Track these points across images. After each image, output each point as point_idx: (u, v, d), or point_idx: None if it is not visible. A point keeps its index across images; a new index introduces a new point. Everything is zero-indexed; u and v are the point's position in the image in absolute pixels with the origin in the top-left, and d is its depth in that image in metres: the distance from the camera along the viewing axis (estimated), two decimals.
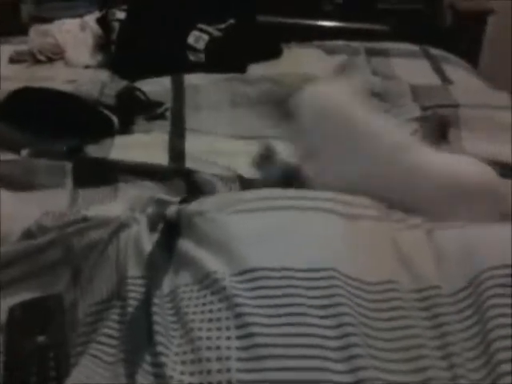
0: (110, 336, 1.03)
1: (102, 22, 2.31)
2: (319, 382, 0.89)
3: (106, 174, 1.49)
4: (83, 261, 1.12)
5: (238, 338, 0.93)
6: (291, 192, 1.19)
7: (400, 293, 1.01)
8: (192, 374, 0.92)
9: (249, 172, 1.43)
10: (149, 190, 1.43)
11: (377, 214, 1.14)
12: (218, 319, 0.96)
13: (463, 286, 1.01)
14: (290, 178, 1.29)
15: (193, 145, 1.67)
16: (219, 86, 1.96)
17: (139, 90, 1.90)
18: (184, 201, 1.21)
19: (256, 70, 2.11)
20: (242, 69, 2.10)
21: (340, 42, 2.44)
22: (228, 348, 0.92)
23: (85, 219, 1.18)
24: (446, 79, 2.15)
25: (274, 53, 2.27)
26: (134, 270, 1.07)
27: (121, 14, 2.29)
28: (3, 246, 1.15)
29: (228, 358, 0.91)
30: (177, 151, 1.64)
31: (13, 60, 2.26)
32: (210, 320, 0.96)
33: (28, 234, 1.17)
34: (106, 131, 1.72)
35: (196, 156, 1.60)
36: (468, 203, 1.17)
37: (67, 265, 1.12)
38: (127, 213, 1.21)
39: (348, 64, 2.21)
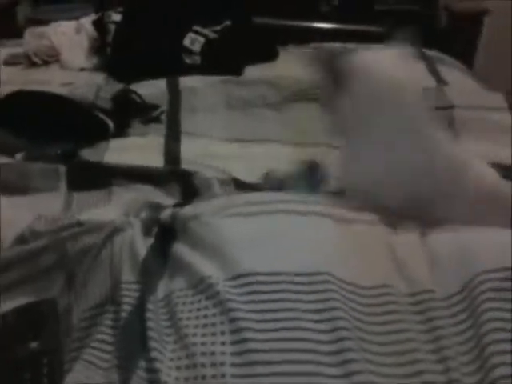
0: (103, 341, 1.03)
1: (98, 24, 2.30)
2: None
3: (100, 178, 1.48)
4: (77, 265, 1.11)
5: (233, 343, 0.93)
6: (284, 196, 1.18)
7: (394, 297, 1.01)
8: (187, 379, 0.92)
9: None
10: (143, 193, 1.42)
11: (370, 217, 1.13)
12: (213, 324, 0.96)
13: (457, 290, 1.01)
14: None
15: (188, 148, 1.67)
16: (215, 89, 1.95)
17: (135, 92, 1.90)
18: (178, 205, 1.21)
19: (252, 72, 2.09)
20: (238, 71, 2.09)
21: (337, 44, 2.43)
22: (222, 353, 0.92)
23: (79, 223, 1.18)
24: (441, 80, 2.14)
25: (270, 55, 2.25)
26: (128, 275, 1.07)
27: (117, 17, 2.28)
28: None
29: (222, 364, 0.91)
30: (172, 154, 1.64)
31: (7, 63, 2.25)
32: (205, 325, 0.96)
33: (21, 240, 1.17)
34: (101, 135, 1.71)
35: (191, 159, 1.59)
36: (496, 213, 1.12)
37: (61, 269, 1.12)
38: (121, 217, 1.21)
39: None
